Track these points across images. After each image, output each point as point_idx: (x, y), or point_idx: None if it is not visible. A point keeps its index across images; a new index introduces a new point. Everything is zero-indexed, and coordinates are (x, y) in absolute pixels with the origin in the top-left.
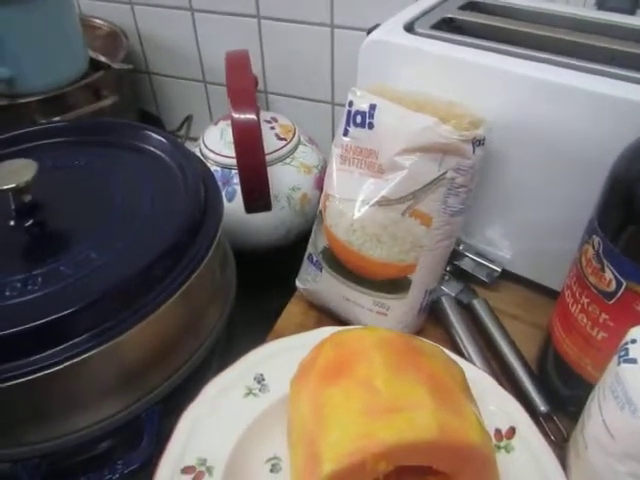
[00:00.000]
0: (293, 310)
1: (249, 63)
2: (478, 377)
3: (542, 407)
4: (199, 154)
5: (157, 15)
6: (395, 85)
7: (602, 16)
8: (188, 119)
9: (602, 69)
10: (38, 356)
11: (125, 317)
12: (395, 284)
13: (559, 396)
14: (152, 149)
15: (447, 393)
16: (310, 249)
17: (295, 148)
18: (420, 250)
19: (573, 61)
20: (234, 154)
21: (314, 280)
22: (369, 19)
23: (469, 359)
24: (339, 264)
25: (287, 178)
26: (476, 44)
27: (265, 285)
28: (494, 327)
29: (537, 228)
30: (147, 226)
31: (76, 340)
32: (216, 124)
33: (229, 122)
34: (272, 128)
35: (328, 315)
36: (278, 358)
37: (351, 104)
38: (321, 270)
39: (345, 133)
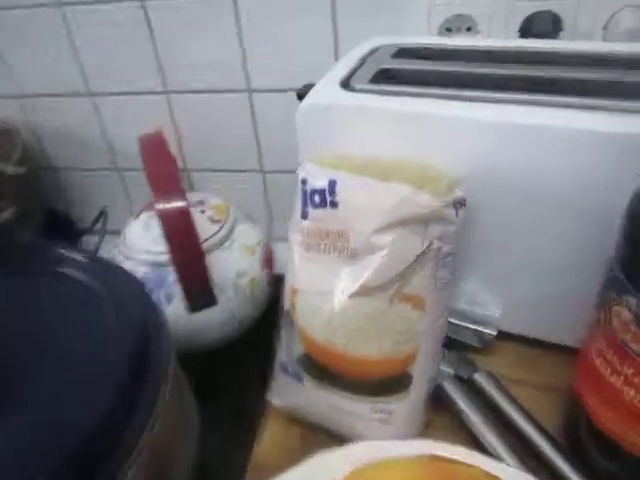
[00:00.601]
0: (272, 428)
1: (166, 145)
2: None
3: None
4: (121, 256)
5: (52, 104)
6: (345, 151)
7: (536, 44)
8: (102, 214)
9: (569, 101)
10: None
11: None
12: (394, 382)
13: (601, 471)
14: (69, 272)
15: None
16: (282, 358)
17: (232, 229)
18: (417, 338)
19: (538, 97)
20: (165, 250)
21: (294, 394)
22: (287, 79)
23: (492, 451)
24: (324, 370)
25: (230, 264)
26: (427, 93)
27: (228, 391)
28: (505, 403)
29: (525, 278)
30: (73, 386)
31: None
32: (137, 217)
33: (152, 213)
34: (203, 212)
35: (314, 429)
36: None
37: (305, 182)
38: (301, 381)
39: (304, 216)
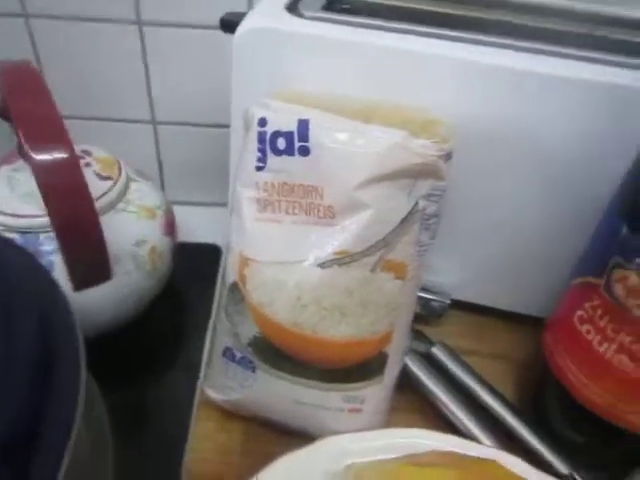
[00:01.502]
0: (205, 428)
1: (42, 80)
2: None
3: (564, 470)
4: None
5: None
6: (303, 87)
7: None
8: None
9: (574, 53)
10: None
11: None
12: (368, 366)
13: (567, 441)
14: None
15: None
16: (225, 341)
17: (126, 187)
18: (396, 313)
19: (519, 43)
20: (39, 210)
21: (242, 386)
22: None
23: (466, 431)
24: (284, 357)
25: (126, 230)
26: (395, 28)
27: (134, 384)
28: (467, 376)
29: (489, 244)
30: None
31: None
32: None
33: (16, 166)
34: (88, 165)
35: (259, 425)
36: None
37: (263, 122)
38: (254, 370)
39: (261, 167)
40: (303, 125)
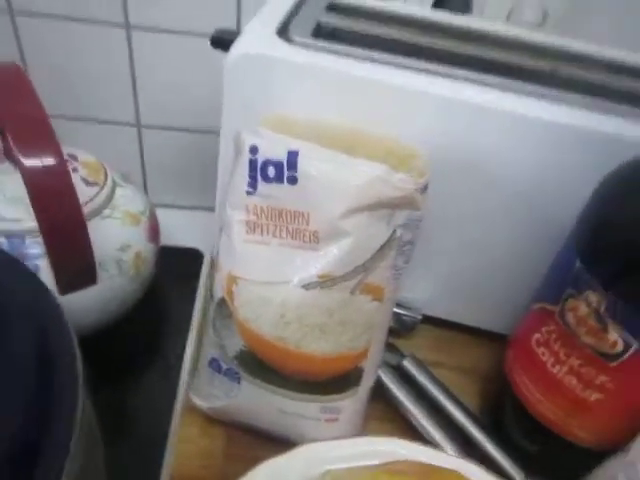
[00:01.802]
0: (188, 432)
1: (30, 83)
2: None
3: (518, 477)
4: None
5: None
6: (287, 112)
7: (469, 22)
8: None
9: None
10: None
11: None
12: (345, 379)
13: (521, 450)
14: None
15: None
16: (211, 353)
17: (112, 193)
18: (372, 331)
19: (490, 78)
20: (25, 214)
21: (227, 395)
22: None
23: (430, 439)
24: (267, 369)
25: (111, 235)
26: (379, 59)
27: (115, 387)
28: (434, 388)
29: (461, 264)
30: None
31: None
32: None
33: (2, 169)
34: (74, 170)
35: (242, 431)
36: None
37: (254, 150)
38: (239, 381)
39: (251, 191)
40: (292, 156)
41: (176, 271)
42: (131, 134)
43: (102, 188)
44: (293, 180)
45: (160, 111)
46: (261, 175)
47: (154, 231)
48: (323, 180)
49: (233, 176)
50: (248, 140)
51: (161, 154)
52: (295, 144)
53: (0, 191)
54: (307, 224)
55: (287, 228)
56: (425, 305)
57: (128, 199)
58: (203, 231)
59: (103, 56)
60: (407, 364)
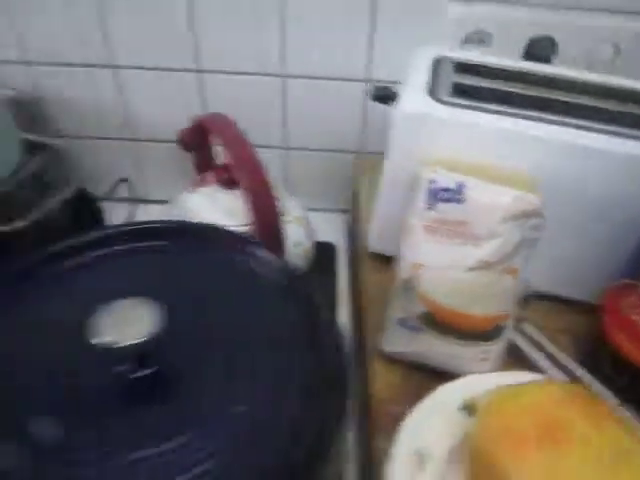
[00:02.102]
0: (380, 370)
1: (238, 127)
2: None
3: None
4: None
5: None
6: (440, 155)
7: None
8: (126, 182)
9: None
10: None
11: None
12: (494, 332)
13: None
14: (258, 269)
15: None
16: (398, 314)
17: (283, 202)
18: (511, 300)
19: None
20: (236, 223)
21: (409, 343)
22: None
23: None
24: (441, 324)
25: (290, 236)
26: (509, 112)
27: None
28: (547, 343)
29: (560, 253)
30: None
31: None
32: (194, 191)
33: (214, 189)
34: None
35: (411, 369)
36: None
37: (433, 182)
38: (419, 332)
39: (430, 207)
40: (460, 186)
41: (316, 261)
42: (282, 155)
43: (280, 199)
44: (461, 201)
45: (304, 134)
46: (437, 197)
47: (310, 230)
48: (481, 201)
49: (414, 199)
50: (427, 174)
51: (302, 171)
52: (460, 178)
53: (214, 204)
54: (472, 229)
55: (455, 231)
56: (537, 284)
57: (292, 205)
58: (335, 228)
59: (265, 99)
60: (526, 328)
